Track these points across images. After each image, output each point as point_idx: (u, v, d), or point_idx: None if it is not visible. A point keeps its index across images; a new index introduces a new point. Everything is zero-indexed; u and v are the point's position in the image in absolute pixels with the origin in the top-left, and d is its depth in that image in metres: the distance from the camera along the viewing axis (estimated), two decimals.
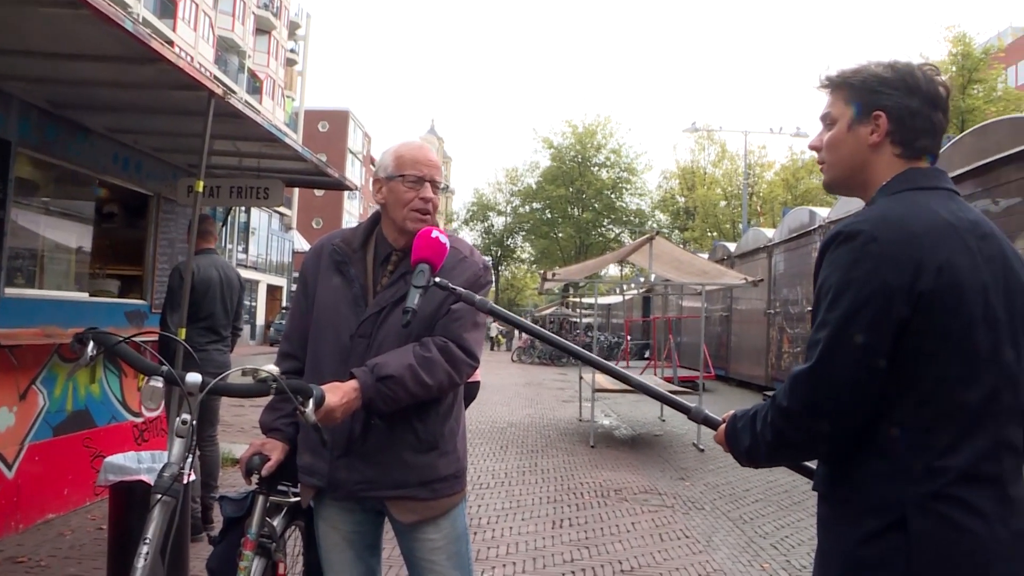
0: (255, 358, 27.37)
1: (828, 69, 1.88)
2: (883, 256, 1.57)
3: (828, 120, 1.84)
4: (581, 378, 13.83)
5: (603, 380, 13.07)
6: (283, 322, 41.83)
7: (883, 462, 1.59)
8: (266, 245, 49.05)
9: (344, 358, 2.49)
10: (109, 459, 4.26)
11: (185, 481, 2.13)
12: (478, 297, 2.23)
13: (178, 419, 2.11)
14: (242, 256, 44.28)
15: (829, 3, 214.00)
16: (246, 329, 39.77)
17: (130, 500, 4.14)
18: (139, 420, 6.75)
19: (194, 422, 2.14)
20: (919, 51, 50.32)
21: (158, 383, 2.10)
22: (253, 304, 46.96)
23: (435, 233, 2.33)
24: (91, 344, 2.11)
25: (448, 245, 2.37)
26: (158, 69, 4.50)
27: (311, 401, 2.15)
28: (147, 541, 1.98)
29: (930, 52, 57.77)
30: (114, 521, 4.24)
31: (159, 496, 2.04)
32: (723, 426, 1.88)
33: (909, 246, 1.58)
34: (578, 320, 40.33)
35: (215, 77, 45.24)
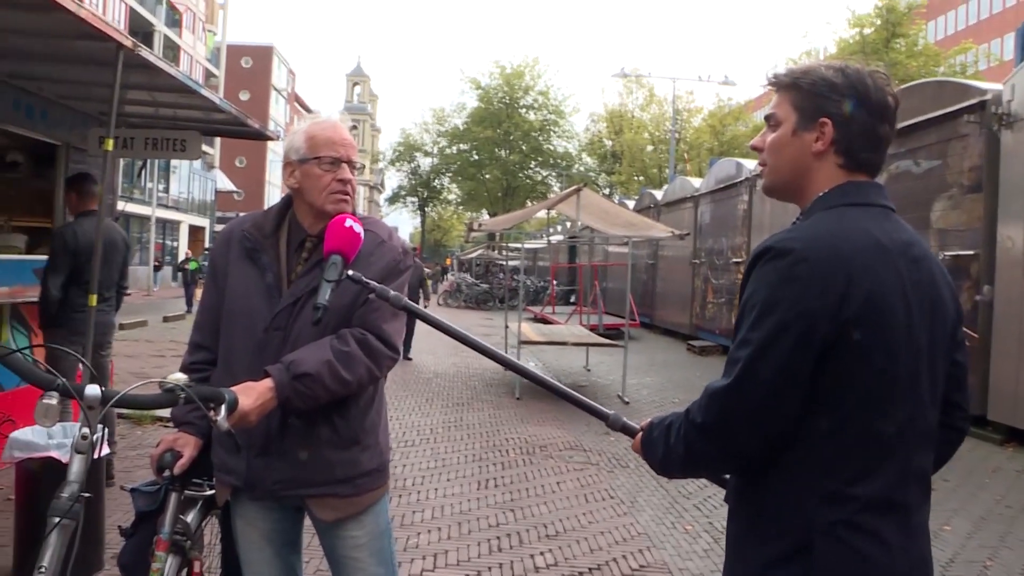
0: (177, 301, 26.72)
1: (777, 67, 1.80)
2: (811, 278, 1.53)
3: (773, 121, 1.75)
4: (507, 327, 13.81)
5: (528, 331, 13.11)
6: (207, 263, 40.89)
7: (795, 484, 1.57)
8: (187, 184, 47.61)
9: (258, 352, 2.36)
10: (15, 434, 4.03)
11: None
12: (392, 292, 2.09)
13: (77, 434, 1.96)
14: (163, 195, 42.95)
15: None
16: (167, 271, 38.70)
17: (38, 478, 3.95)
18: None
19: (95, 437, 1.98)
20: (846, 4, 50.74)
21: (52, 400, 1.93)
22: (175, 244, 45.73)
23: (349, 222, 2.22)
24: None
25: (362, 233, 2.27)
26: (56, 18, 4.18)
27: (223, 407, 2.03)
28: (42, 570, 1.82)
29: (856, 5, 58.15)
30: (21, 501, 4.04)
31: (57, 520, 1.89)
32: (640, 434, 1.82)
33: (838, 269, 1.53)
34: (504, 263, 40.24)
35: (131, 10, 42.63)
